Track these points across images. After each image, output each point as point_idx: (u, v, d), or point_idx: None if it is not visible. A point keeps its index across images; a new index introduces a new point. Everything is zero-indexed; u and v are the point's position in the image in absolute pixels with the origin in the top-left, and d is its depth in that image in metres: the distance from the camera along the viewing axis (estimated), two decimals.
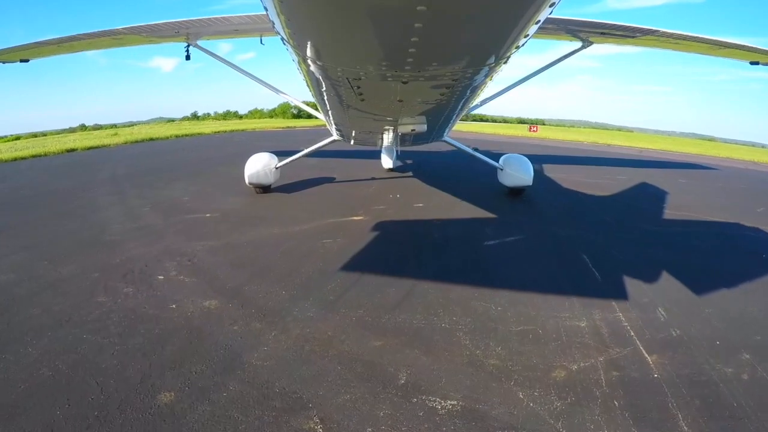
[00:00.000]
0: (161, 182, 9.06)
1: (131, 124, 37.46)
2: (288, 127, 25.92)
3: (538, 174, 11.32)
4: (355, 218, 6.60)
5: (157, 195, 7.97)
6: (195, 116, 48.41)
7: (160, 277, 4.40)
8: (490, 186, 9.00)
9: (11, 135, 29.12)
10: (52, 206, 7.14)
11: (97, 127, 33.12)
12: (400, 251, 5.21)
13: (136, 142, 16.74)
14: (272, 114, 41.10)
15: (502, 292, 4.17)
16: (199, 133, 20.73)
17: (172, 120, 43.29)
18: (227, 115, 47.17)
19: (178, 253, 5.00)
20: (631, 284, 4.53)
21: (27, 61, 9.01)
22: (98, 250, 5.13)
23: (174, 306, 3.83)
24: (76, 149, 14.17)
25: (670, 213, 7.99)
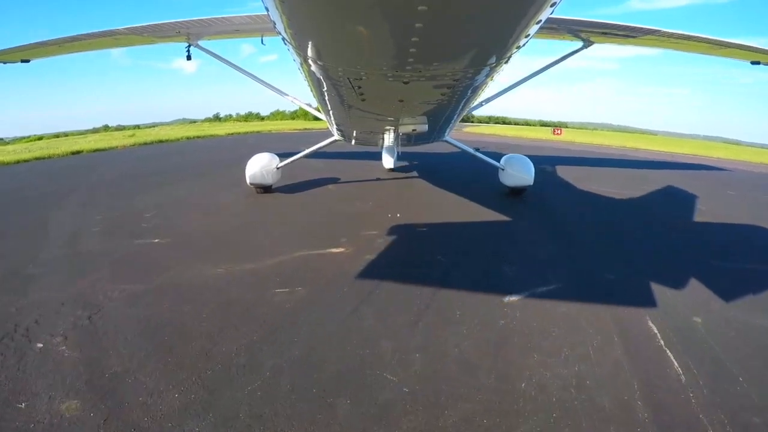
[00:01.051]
0: (138, 191, 7.92)
1: (153, 125, 37.90)
2: (305, 129, 24.93)
3: (570, 186, 9.64)
4: (334, 251, 5.00)
5: (122, 208, 6.82)
6: (217, 117, 48.84)
7: (39, 345, 3.07)
8: (504, 194, 8.10)
9: (34, 135, 29.60)
10: (12, 219, 6.22)
11: (120, 128, 33.49)
12: (378, 318, 3.51)
13: (145, 144, 15.94)
14: (294, 116, 40.15)
15: (529, 416, 2.47)
16: (212, 135, 19.97)
17: (194, 121, 43.82)
18: (249, 117, 47.08)
19: (86, 301, 3.68)
20: (734, 389, 2.75)
21: (28, 61, 8.80)
22: (8, 288, 3.96)
23: (23, 406, 2.49)
24: (82, 151, 13.35)
25: (747, 241, 6.13)
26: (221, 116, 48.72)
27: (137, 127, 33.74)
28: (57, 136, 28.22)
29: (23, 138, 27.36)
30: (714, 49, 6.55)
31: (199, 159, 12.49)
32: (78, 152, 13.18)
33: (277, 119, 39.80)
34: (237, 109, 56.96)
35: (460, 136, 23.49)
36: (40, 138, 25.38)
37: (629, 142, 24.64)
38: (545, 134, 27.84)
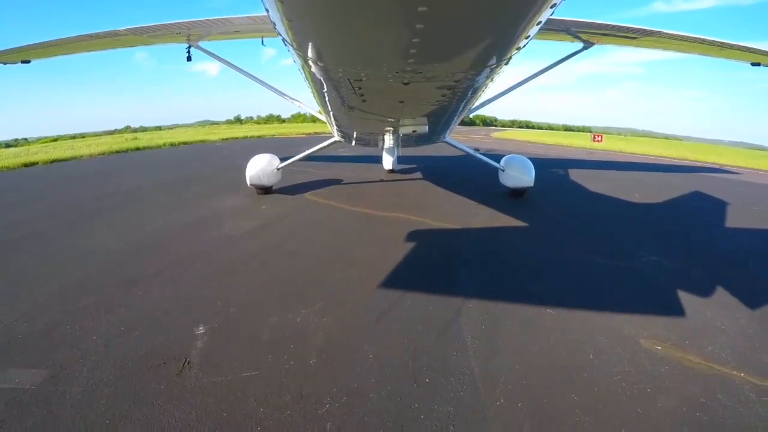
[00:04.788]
0: None
1: (175, 126, 39.77)
2: (315, 132, 25.20)
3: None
4: None
5: None
6: (238, 120, 50.54)
7: None
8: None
9: (50, 137, 30.92)
10: None
11: (143, 129, 35.61)
12: None
13: (117, 152, 15.44)
14: (314, 119, 41.20)
15: None
16: (202, 141, 20.07)
17: (215, 123, 45.74)
18: (269, 120, 48.26)
19: None
20: None
21: (28, 62, 9.32)
22: None
23: None
24: (37, 163, 12.58)
25: None
26: (242, 118, 50.40)
27: (159, 128, 35.44)
28: (73, 137, 29.43)
29: (42, 138, 28.80)
30: (715, 50, 6.85)
31: (139, 184, 9.90)
32: (32, 164, 12.42)
33: (297, 122, 40.80)
34: (259, 111, 58.72)
35: (490, 143, 22.28)
36: (55, 139, 26.55)
37: (689, 152, 22.53)
38: (585, 141, 27.01)
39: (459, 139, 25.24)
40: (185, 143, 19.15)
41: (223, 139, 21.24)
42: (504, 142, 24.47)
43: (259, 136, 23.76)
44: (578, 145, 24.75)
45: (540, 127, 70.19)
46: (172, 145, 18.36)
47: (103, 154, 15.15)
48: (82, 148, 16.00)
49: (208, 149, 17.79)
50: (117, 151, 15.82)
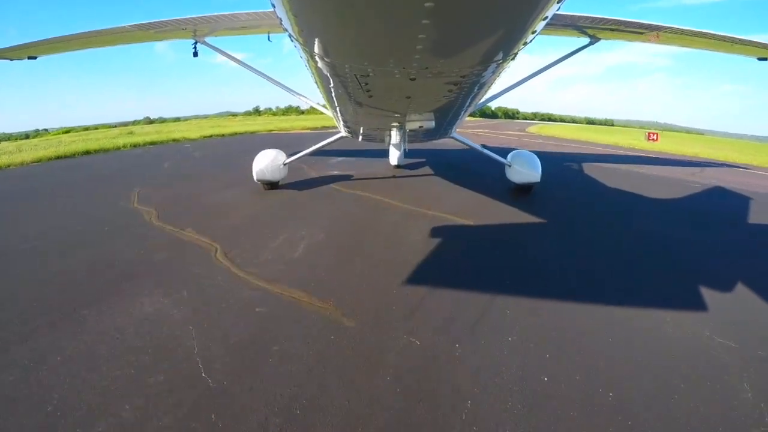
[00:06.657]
0: None
1: (195, 117, 40.77)
2: (324, 127, 25.04)
3: None
4: None
5: None
6: (256, 111, 51.93)
7: None
8: None
9: (62, 128, 32.12)
10: None
11: (161, 120, 36.64)
12: None
13: (60, 158, 13.19)
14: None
15: None
16: (185, 138, 18.94)
17: (235, 114, 46.87)
18: (288, 111, 49.43)
19: None
20: None
21: (35, 58, 9.68)
22: None
23: None
24: None
25: None
26: (261, 109, 51.84)
27: (177, 119, 36.49)
28: (86, 129, 30.58)
29: (59, 130, 30.43)
30: (721, 45, 6.98)
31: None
32: None
33: (316, 113, 42.01)
34: (278, 102, 60.32)
35: (541, 147, 18.51)
36: (67, 131, 27.79)
37: (749, 155, 18.93)
38: (636, 140, 23.86)
39: (490, 135, 24.69)
40: (152, 143, 17.07)
41: (205, 137, 19.86)
42: (562, 145, 19.94)
43: (252, 132, 22.89)
44: (632, 144, 21.49)
45: (563, 120, 69.44)
46: (134, 146, 16.25)
47: (39, 161, 12.62)
48: (56, 147, 14.67)
49: (167, 155, 14.28)
50: (60, 156, 13.38)
